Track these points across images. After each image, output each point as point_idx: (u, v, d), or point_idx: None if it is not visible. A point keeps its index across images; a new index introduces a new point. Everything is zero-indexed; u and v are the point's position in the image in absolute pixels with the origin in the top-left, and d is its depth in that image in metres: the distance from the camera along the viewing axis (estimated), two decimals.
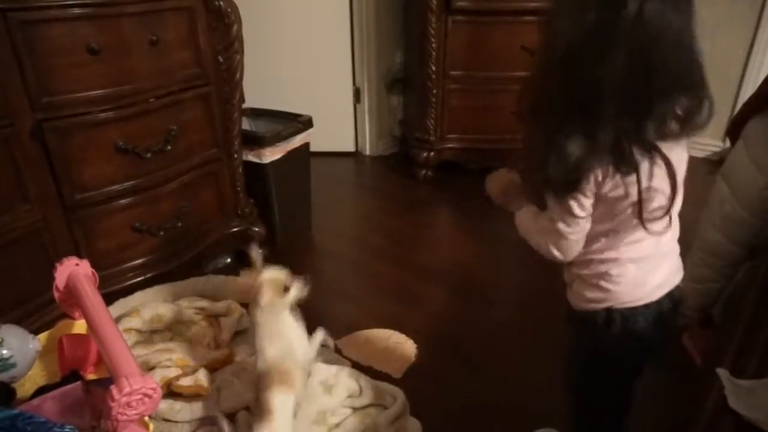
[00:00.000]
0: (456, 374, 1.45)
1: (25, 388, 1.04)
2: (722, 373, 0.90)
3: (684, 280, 1.54)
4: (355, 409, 1.27)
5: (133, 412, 0.82)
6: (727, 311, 1.42)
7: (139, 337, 1.44)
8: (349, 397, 1.30)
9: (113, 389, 0.79)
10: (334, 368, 1.36)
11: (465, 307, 1.74)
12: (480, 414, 1.32)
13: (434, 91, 2.49)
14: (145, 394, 0.81)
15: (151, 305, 1.51)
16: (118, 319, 1.46)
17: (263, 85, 2.53)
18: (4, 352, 1.02)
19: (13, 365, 1.03)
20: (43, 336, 1.15)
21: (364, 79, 2.86)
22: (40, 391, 1.00)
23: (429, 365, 1.48)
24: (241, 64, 1.69)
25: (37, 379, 1.10)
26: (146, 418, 0.92)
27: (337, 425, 1.23)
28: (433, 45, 2.39)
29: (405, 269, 1.95)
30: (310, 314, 1.62)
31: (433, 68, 2.44)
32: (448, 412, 1.33)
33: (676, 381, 1.42)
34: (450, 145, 2.62)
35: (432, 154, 2.61)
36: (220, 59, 1.65)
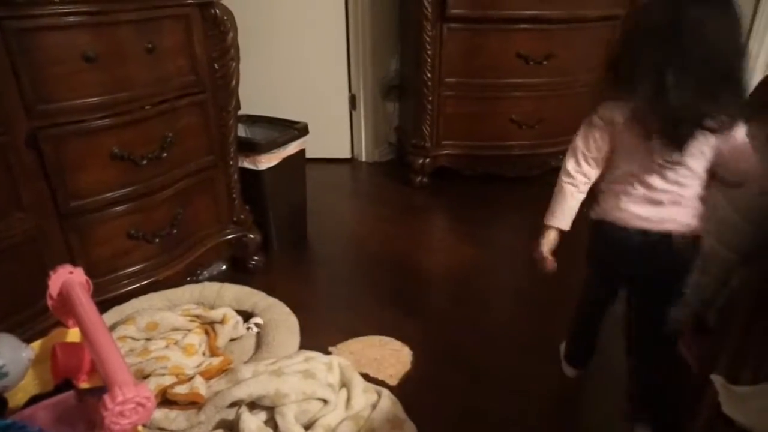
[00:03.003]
0: (452, 381, 1.45)
1: (17, 397, 1.03)
2: (716, 379, 0.90)
3: None
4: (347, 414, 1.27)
5: (127, 421, 0.81)
6: (721, 317, 1.42)
7: (134, 344, 1.44)
8: (330, 385, 1.30)
9: (106, 398, 0.78)
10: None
11: (461, 313, 1.74)
12: (476, 421, 1.32)
13: (430, 98, 2.50)
14: (139, 403, 0.81)
15: (146, 312, 1.50)
16: (113, 327, 1.46)
17: (259, 92, 2.53)
18: None
19: (6, 374, 1.02)
20: (36, 344, 1.14)
21: (360, 86, 2.87)
22: (33, 400, 0.99)
23: (425, 372, 1.48)
24: (237, 71, 1.69)
25: (30, 388, 1.09)
26: (140, 427, 0.91)
27: (334, 429, 1.22)
28: (429, 52, 2.40)
29: (401, 276, 1.95)
30: (306, 321, 1.63)
31: (429, 75, 2.45)
32: (444, 418, 1.32)
33: (672, 387, 1.42)
34: (446, 152, 2.63)
35: (428, 160, 2.62)
36: (216, 66, 1.66)
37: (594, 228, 1.18)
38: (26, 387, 1.08)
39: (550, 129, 2.60)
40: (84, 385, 1.07)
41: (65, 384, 1.03)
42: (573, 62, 2.49)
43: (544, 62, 2.42)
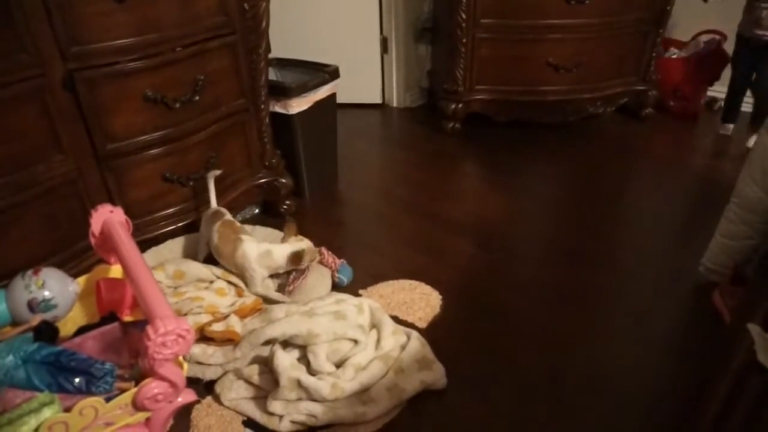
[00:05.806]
0: (479, 326, 1.47)
1: (67, 327, 1.10)
2: (753, 327, 0.88)
3: (719, 236, 1.51)
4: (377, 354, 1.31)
5: (168, 351, 0.85)
6: (761, 268, 1.38)
7: (165, 290, 1.48)
8: (360, 326, 1.33)
9: (149, 329, 0.82)
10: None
11: (489, 260, 1.74)
12: (501, 363, 1.34)
13: (464, 41, 2.41)
14: (179, 335, 0.85)
15: (173, 261, 1.53)
16: None
17: (289, 34, 2.49)
18: (46, 293, 1.07)
19: (55, 306, 1.08)
20: (81, 279, 1.20)
21: (392, 28, 2.78)
22: (81, 330, 1.05)
23: (453, 317, 1.50)
24: (267, 12, 1.66)
25: (78, 319, 1.15)
26: (180, 358, 0.96)
27: (364, 368, 1.26)
28: None
29: (431, 222, 1.95)
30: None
31: (463, 16, 2.35)
32: (473, 362, 1.35)
33: (704, 338, 1.41)
34: (479, 97, 2.56)
35: (460, 105, 2.56)
36: (246, 7, 1.62)
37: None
38: (74, 318, 1.14)
39: (590, 73, 2.49)
40: (127, 318, 1.12)
41: (110, 316, 1.08)
42: (616, 2, 2.35)
43: (586, 1, 2.29)
